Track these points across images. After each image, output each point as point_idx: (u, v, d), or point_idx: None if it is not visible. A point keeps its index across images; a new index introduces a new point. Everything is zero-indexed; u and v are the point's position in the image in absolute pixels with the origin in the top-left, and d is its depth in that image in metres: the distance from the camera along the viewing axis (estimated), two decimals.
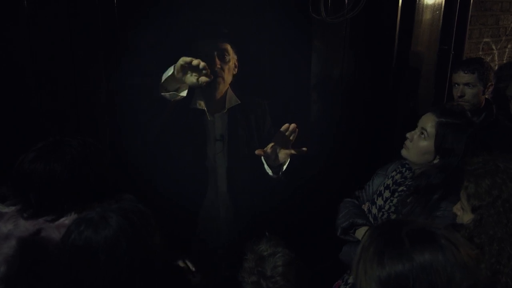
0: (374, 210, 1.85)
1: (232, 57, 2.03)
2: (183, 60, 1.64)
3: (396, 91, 2.83)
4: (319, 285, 1.89)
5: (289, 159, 1.98)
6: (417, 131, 1.75)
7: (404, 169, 1.87)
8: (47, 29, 1.74)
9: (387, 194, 1.84)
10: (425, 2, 2.74)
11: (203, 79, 1.67)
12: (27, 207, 1.40)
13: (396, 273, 0.97)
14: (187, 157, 2.02)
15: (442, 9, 2.86)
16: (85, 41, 1.83)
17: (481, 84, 2.33)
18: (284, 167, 1.99)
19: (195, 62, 1.63)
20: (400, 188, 1.82)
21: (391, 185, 1.85)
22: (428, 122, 1.71)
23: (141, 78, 2.07)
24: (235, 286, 1.48)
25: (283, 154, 1.91)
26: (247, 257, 1.49)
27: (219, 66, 1.97)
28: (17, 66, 1.73)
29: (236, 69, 2.07)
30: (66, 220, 1.37)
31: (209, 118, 2.04)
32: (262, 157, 1.93)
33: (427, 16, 2.79)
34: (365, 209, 1.91)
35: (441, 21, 2.90)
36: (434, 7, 2.81)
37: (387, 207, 1.81)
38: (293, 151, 1.90)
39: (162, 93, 1.76)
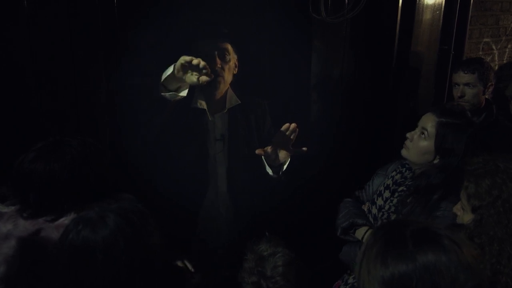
0: (374, 210, 1.85)
1: (232, 57, 2.03)
2: (183, 59, 1.64)
3: (396, 91, 2.83)
4: (319, 285, 1.89)
5: (289, 159, 1.98)
6: (417, 131, 1.75)
7: (404, 169, 1.87)
8: (47, 29, 1.74)
9: (387, 194, 1.84)
10: (425, 2, 2.74)
11: (203, 78, 1.67)
12: (27, 207, 1.39)
13: (400, 273, 0.97)
14: (187, 157, 2.02)
15: (442, 9, 2.86)
16: (85, 41, 1.83)
17: (481, 84, 2.33)
18: (285, 166, 1.99)
19: (195, 61, 1.63)
20: (400, 188, 1.82)
21: (391, 185, 1.85)
22: (429, 122, 1.70)
23: (141, 78, 2.07)
24: (235, 286, 1.49)
25: (283, 153, 1.91)
26: (247, 257, 1.49)
27: (220, 66, 1.97)
28: (17, 66, 1.73)
29: (236, 69, 2.07)
30: (65, 220, 1.37)
31: (209, 118, 2.04)
32: (263, 157, 1.93)
33: (427, 16, 2.79)
34: (365, 209, 1.91)
35: (441, 21, 2.90)
36: (434, 7, 2.81)
37: (387, 207, 1.81)
38: (293, 151, 1.90)
39: (162, 93, 1.76)
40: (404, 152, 1.78)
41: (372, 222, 1.83)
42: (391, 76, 2.77)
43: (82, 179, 1.40)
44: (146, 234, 1.20)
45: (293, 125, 1.82)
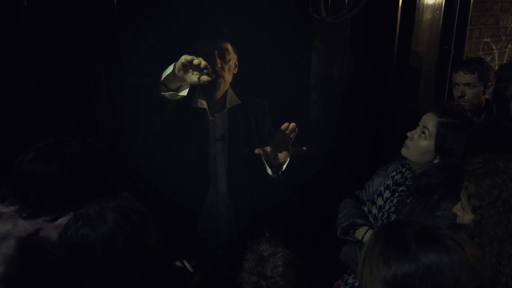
0: (374, 210, 1.85)
1: (232, 57, 2.03)
2: (184, 58, 1.63)
3: (396, 91, 2.83)
4: (319, 285, 1.89)
5: (288, 159, 1.98)
6: (418, 130, 1.74)
7: (404, 169, 1.87)
8: (47, 29, 1.74)
9: (387, 194, 1.84)
10: (425, 2, 2.74)
11: (204, 78, 1.66)
12: (26, 207, 1.39)
13: (402, 274, 0.97)
14: (187, 157, 2.02)
15: (442, 9, 2.86)
16: (85, 41, 1.83)
17: (481, 84, 2.33)
18: (284, 166, 1.99)
19: (196, 61, 1.62)
20: (400, 188, 1.82)
21: (391, 185, 1.85)
22: (430, 122, 1.70)
23: (141, 78, 2.07)
24: (235, 286, 1.49)
25: (282, 153, 1.91)
26: (247, 257, 1.49)
27: (220, 66, 1.97)
28: (17, 66, 1.73)
29: (236, 69, 2.07)
30: (64, 220, 1.37)
31: (210, 118, 2.04)
32: (262, 156, 1.93)
33: (427, 16, 2.78)
34: (365, 210, 1.91)
35: (441, 21, 2.90)
36: (434, 7, 2.81)
37: (387, 207, 1.81)
38: (292, 151, 1.90)
39: (162, 92, 1.76)
40: (404, 151, 1.78)
41: (372, 222, 1.83)
42: (391, 76, 2.77)
43: (82, 179, 1.40)
44: (145, 233, 1.20)
45: (292, 124, 1.82)
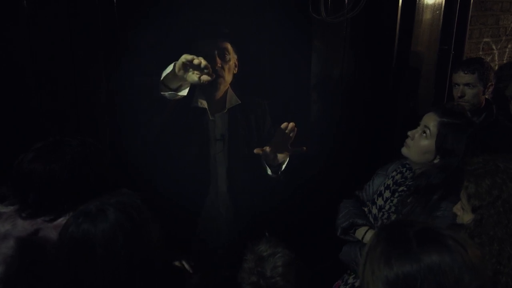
0: (375, 210, 1.85)
1: (232, 56, 2.03)
2: (184, 57, 1.63)
3: (396, 91, 2.82)
4: (319, 285, 1.89)
5: (288, 158, 1.98)
6: (419, 129, 1.74)
7: (405, 169, 1.87)
8: (47, 29, 1.74)
9: (387, 194, 1.84)
10: (425, 2, 2.74)
11: (205, 77, 1.66)
12: (26, 207, 1.39)
13: (404, 274, 0.97)
14: (187, 157, 2.02)
15: (442, 9, 2.86)
16: (85, 41, 1.83)
17: (481, 84, 2.32)
18: (283, 166, 1.99)
19: (196, 61, 1.62)
20: (401, 188, 1.81)
21: (391, 185, 1.85)
22: (431, 121, 1.70)
23: (141, 78, 2.07)
24: (235, 286, 1.48)
25: (282, 153, 1.91)
26: (247, 257, 1.49)
27: (220, 65, 1.97)
28: (17, 66, 1.73)
29: (236, 69, 2.07)
30: (64, 220, 1.37)
31: (210, 118, 2.04)
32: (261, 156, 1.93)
33: (427, 16, 2.78)
34: (366, 210, 1.91)
35: (441, 21, 2.90)
36: (434, 7, 2.81)
37: (387, 207, 1.81)
38: (292, 150, 1.90)
39: (162, 92, 1.75)
40: (404, 151, 1.77)
41: (372, 222, 1.83)
42: (391, 76, 2.77)
43: (82, 179, 1.40)
44: (145, 230, 1.20)
45: (291, 124, 1.82)
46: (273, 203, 2.16)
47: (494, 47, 3.61)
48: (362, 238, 1.79)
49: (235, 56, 2.05)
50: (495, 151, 1.41)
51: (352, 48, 2.66)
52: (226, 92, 2.07)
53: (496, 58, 3.67)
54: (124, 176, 1.82)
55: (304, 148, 1.92)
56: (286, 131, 1.82)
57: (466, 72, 2.33)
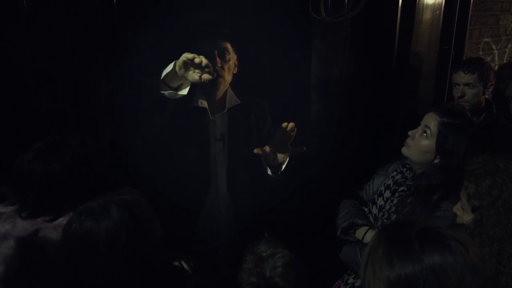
0: (375, 210, 1.85)
1: (232, 56, 2.03)
2: (185, 56, 1.62)
3: (396, 91, 2.83)
4: (319, 285, 1.89)
5: (287, 159, 1.98)
6: (420, 129, 1.74)
7: (405, 169, 1.87)
8: (47, 29, 1.74)
9: (387, 194, 1.84)
10: (425, 2, 2.74)
11: (206, 76, 1.65)
12: (26, 207, 1.39)
13: (406, 274, 0.97)
14: (187, 157, 2.02)
15: (442, 9, 2.86)
16: (85, 41, 1.83)
17: (481, 84, 2.32)
18: (283, 166, 1.99)
19: (197, 59, 1.61)
20: (401, 188, 1.81)
21: (391, 185, 1.85)
22: (432, 121, 1.70)
23: (141, 78, 2.07)
24: (235, 286, 1.48)
25: (282, 153, 1.91)
26: (246, 258, 1.49)
27: (220, 65, 1.97)
28: (17, 66, 1.73)
29: (236, 69, 2.07)
30: (64, 220, 1.37)
31: (210, 117, 2.04)
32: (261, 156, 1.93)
33: (427, 16, 2.78)
34: (366, 210, 1.91)
35: (441, 21, 2.90)
36: (434, 7, 2.81)
37: (387, 207, 1.81)
38: (292, 150, 1.90)
39: (162, 91, 1.75)
40: (405, 150, 1.77)
41: (373, 222, 1.83)
42: (391, 76, 2.77)
43: (82, 179, 1.40)
44: (148, 228, 1.19)
45: (291, 124, 1.82)
46: (273, 203, 2.16)
47: (494, 47, 3.61)
48: (362, 238, 1.79)
49: (235, 56, 2.05)
50: (495, 151, 1.41)
51: (352, 48, 2.66)
52: (226, 92, 2.07)
53: (496, 58, 3.67)
54: (124, 176, 1.82)
55: (304, 148, 1.92)
56: (286, 131, 1.82)
57: (466, 72, 2.33)
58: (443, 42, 3.02)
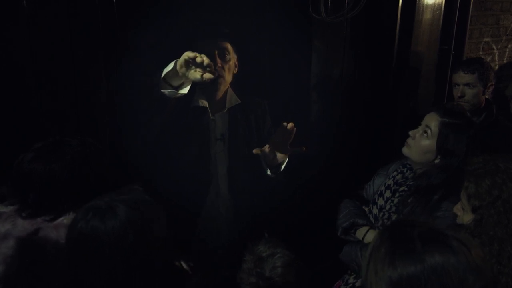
0: (375, 210, 1.85)
1: (232, 56, 2.03)
2: (187, 55, 1.61)
3: (396, 91, 2.83)
4: (319, 285, 1.89)
5: (287, 159, 1.98)
6: (420, 129, 1.74)
7: (405, 169, 1.87)
8: (47, 29, 1.74)
9: (388, 194, 1.84)
10: (425, 2, 2.74)
11: (207, 75, 1.64)
12: (26, 207, 1.39)
13: (408, 275, 0.97)
14: (188, 157, 2.02)
15: (442, 9, 2.86)
16: (85, 41, 1.83)
17: (481, 84, 2.32)
18: (282, 166, 1.99)
19: (198, 59, 1.60)
20: (401, 188, 1.81)
21: (392, 185, 1.85)
22: (432, 121, 1.70)
23: (141, 78, 2.06)
24: (235, 286, 1.48)
25: (281, 153, 1.91)
26: (246, 258, 1.49)
27: (220, 65, 1.97)
28: (17, 66, 1.73)
29: (236, 69, 2.07)
30: (64, 220, 1.37)
31: (211, 117, 2.03)
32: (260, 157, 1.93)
33: (427, 16, 2.78)
34: (366, 210, 1.91)
35: (441, 21, 2.90)
36: (434, 7, 2.81)
37: (388, 207, 1.81)
38: (291, 150, 1.90)
39: (162, 90, 1.74)
40: (405, 150, 1.77)
41: (373, 222, 1.83)
42: (391, 76, 2.77)
43: (82, 179, 1.40)
44: (148, 228, 1.19)
45: (290, 124, 1.82)
46: (273, 203, 2.16)
47: (494, 47, 3.61)
48: (363, 238, 1.79)
49: (235, 56, 2.05)
50: (495, 151, 1.41)
51: (352, 48, 2.66)
52: (226, 92, 2.07)
53: (496, 58, 3.67)
54: (124, 176, 1.82)
55: (304, 148, 1.92)
56: (285, 131, 1.82)
57: (466, 72, 2.33)
58: (443, 42, 3.02)
